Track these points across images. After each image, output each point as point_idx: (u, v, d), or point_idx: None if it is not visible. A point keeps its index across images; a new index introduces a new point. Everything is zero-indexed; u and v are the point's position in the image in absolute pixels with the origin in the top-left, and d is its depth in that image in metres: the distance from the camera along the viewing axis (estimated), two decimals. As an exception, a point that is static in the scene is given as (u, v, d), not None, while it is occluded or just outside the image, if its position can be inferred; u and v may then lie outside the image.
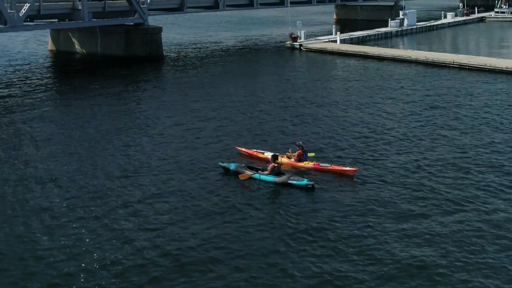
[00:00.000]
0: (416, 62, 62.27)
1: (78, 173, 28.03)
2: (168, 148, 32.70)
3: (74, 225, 22.04)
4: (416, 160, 30.31)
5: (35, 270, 19.16)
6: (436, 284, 18.04)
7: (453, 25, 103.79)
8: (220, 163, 28.65)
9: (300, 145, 29.18)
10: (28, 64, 65.06)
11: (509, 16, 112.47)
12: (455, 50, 73.27)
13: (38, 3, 59.49)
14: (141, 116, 41.34)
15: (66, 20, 64.45)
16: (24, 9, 57.19)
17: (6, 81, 55.78)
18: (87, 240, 21.04)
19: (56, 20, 65.23)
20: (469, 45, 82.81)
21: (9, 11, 55.79)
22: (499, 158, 30.45)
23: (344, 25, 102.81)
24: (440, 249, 20.10)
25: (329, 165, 28.39)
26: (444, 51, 69.39)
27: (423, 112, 41.57)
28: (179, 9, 75.20)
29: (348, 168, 27.67)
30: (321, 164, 28.41)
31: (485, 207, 24.02)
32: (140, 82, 54.93)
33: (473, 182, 26.77)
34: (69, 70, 64.35)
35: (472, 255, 19.74)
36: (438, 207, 23.74)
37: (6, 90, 51.79)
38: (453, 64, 59.39)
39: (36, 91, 51.54)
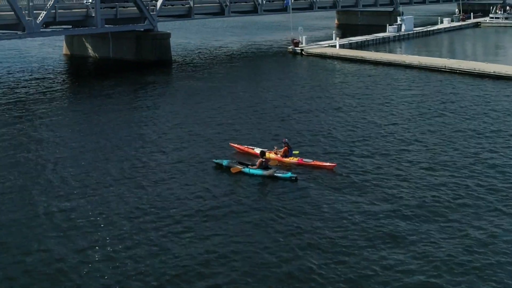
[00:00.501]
0: (410, 67, 62.55)
1: (89, 168, 29.51)
2: (169, 144, 34.35)
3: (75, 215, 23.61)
4: (392, 156, 31.77)
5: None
6: (410, 256, 19.69)
7: (449, 30, 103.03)
8: (214, 160, 30.39)
9: (286, 143, 31.16)
10: (43, 67, 65.62)
11: (503, 21, 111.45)
12: (449, 54, 72.93)
13: (54, 11, 60.09)
14: (148, 116, 42.65)
15: (80, 26, 64.40)
16: (41, 17, 58.00)
17: (23, 83, 56.52)
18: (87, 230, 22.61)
19: (71, 26, 65.38)
20: (462, 50, 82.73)
21: (27, 18, 56.48)
22: (468, 153, 31.83)
23: (345, 30, 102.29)
24: (411, 223, 22.26)
25: (311, 160, 30.26)
26: (439, 56, 69.36)
27: (407, 113, 42.44)
28: (187, 15, 75.84)
29: (327, 164, 29.56)
30: (304, 160, 30.30)
31: (457, 196, 25.59)
32: (149, 85, 55.61)
33: (445, 176, 28.26)
34: (83, 74, 64.95)
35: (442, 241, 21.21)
36: (409, 196, 25.45)
37: (24, 92, 52.60)
38: (444, 68, 59.80)
39: (51, 93, 52.35)
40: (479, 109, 43.06)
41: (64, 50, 73.86)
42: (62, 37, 72.91)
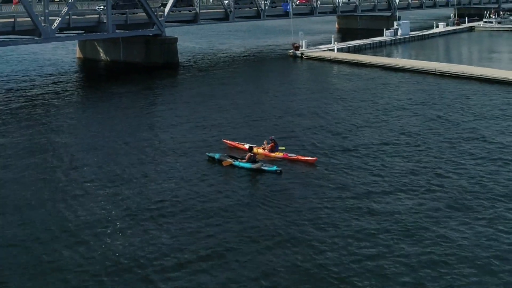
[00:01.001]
0: (403, 70, 63.01)
1: (99, 163, 31.24)
2: (171, 140, 36.07)
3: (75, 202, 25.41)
4: (371, 152, 33.28)
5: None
6: (377, 251, 21.12)
7: (444, 34, 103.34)
8: (207, 153, 32.08)
9: (272, 139, 32.82)
10: (58, 69, 66.15)
11: (497, 26, 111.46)
12: (442, 58, 73.46)
13: (68, 17, 60.39)
14: (155, 115, 44.24)
15: (92, 31, 65.14)
16: (56, 23, 58.26)
17: (39, 84, 57.17)
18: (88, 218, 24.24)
19: (83, 31, 66.00)
20: (455, 53, 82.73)
21: (43, 24, 56.80)
22: (445, 145, 33.49)
23: (345, 33, 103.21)
24: (384, 221, 23.45)
25: (294, 155, 31.84)
26: (432, 59, 69.51)
27: (392, 113, 43.53)
28: (193, 21, 76.07)
29: (309, 158, 31.30)
30: (288, 155, 31.90)
31: (435, 188, 27.07)
32: (157, 86, 56.47)
33: (423, 168, 29.82)
34: (95, 76, 65.92)
35: (420, 229, 22.82)
36: (389, 189, 26.98)
37: (39, 93, 53.23)
38: (435, 71, 60.33)
39: (64, 93, 53.31)
40: (458, 108, 44.41)
41: (78, 53, 74.35)
42: (76, 41, 73.38)
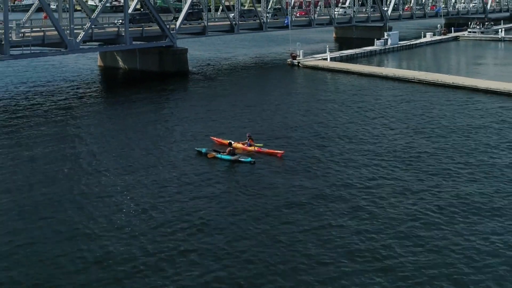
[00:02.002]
0: (386, 78, 64.32)
1: (116, 153, 35.09)
2: (173, 137, 39.89)
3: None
4: (336, 147, 36.96)
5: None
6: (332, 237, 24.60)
7: (430, 44, 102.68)
8: (196, 148, 35.91)
9: (249, 136, 36.59)
10: (80, 77, 67.13)
11: (480, 35, 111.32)
12: (424, 66, 74.03)
13: (91, 31, 61.70)
14: (166, 116, 47.16)
15: (112, 43, 66.50)
16: (80, 36, 59.55)
17: (63, 91, 58.27)
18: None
19: (103, 43, 67.43)
20: (436, 62, 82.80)
21: (69, 38, 58.22)
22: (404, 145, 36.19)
23: (341, 42, 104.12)
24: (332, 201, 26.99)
25: (266, 149, 35.62)
26: (415, 68, 70.20)
27: (363, 115, 46.30)
28: (202, 33, 76.99)
29: (277, 151, 35.11)
30: (261, 149, 35.71)
31: (389, 177, 30.29)
32: (169, 92, 58.37)
33: (379, 162, 32.96)
34: (114, 82, 67.14)
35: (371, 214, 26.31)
36: (347, 181, 30.24)
37: (63, 98, 54.68)
38: (413, 79, 61.65)
39: (87, 98, 54.99)
40: (425, 112, 47.24)
41: (99, 62, 75.02)
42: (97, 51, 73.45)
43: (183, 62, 70.75)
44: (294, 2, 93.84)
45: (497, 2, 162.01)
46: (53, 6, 69.10)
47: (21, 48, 56.66)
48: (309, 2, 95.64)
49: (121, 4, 68.00)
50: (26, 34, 57.44)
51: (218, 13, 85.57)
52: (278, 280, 20.60)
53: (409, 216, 25.87)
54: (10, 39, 54.45)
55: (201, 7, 78.78)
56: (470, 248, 22.85)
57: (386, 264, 21.72)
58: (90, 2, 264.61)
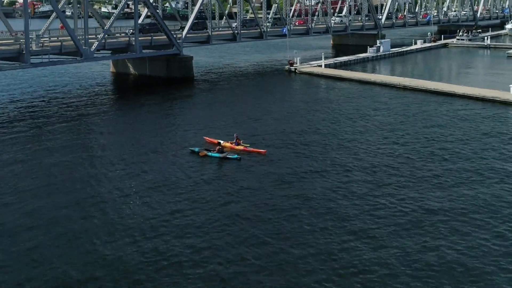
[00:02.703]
0: (374, 83, 65.25)
1: (126, 148, 37.06)
2: (176, 137, 42.26)
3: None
4: (314, 147, 39.35)
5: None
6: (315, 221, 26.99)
7: (420, 51, 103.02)
8: (190, 147, 38.58)
9: (237, 136, 39.33)
10: (95, 82, 69.04)
11: (467, 43, 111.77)
12: (411, 73, 75.11)
13: (104, 41, 63.53)
14: (172, 119, 49.33)
15: (123, 52, 68.00)
16: (94, 46, 61.39)
17: (80, 94, 60.23)
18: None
19: (115, 52, 68.46)
20: (422, 69, 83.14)
21: (84, 47, 60.08)
22: (376, 142, 38.68)
23: (338, 49, 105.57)
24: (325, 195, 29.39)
25: (251, 148, 38.33)
26: (403, 74, 70.81)
27: (344, 117, 48.35)
28: (206, 42, 78.58)
29: (261, 150, 37.91)
30: (247, 148, 38.37)
31: (363, 172, 32.45)
32: (176, 96, 59.92)
33: (354, 159, 35.30)
34: (125, 87, 68.50)
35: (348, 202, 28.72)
36: (317, 170, 32.49)
37: (80, 100, 56.89)
38: (399, 85, 62.84)
39: (100, 101, 56.95)
40: (402, 114, 49.52)
41: (111, 68, 76.40)
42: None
43: (189, 68, 72.16)
44: (293, 10, 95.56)
45: (487, 10, 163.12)
46: (68, 13, 70.70)
47: (40, 57, 58.52)
48: (307, 9, 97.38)
49: (133, 11, 69.18)
50: (45, 44, 59.35)
51: (222, 22, 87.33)
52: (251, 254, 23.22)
53: (372, 208, 28.33)
54: (31, 48, 56.43)
55: (205, 15, 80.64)
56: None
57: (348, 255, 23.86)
58: (103, 9, 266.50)
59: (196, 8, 76.78)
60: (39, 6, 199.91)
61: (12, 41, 60.79)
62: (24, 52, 55.92)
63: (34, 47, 57.35)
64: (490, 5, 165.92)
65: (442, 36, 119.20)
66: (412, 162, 35.75)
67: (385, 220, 26.81)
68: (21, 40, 57.81)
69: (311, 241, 24.58)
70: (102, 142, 41.29)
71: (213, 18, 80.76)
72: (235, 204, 29.09)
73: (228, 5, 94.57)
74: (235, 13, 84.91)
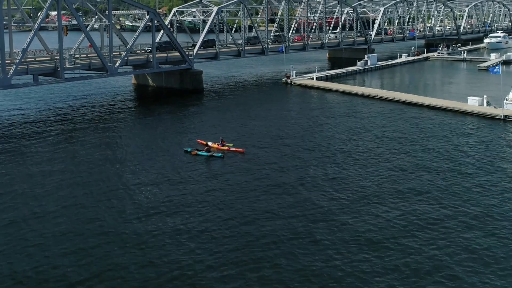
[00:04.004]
0: (356, 95, 67.34)
1: (141, 148, 41.15)
2: (176, 139, 46.44)
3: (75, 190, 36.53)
4: (289, 147, 43.52)
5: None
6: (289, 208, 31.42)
7: (404, 64, 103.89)
8: (184, 148, 42.81)
9: (222, 139, 43.72)
10: (118, 92, 72.51)
11: (447, 56, 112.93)
12: (391, 85, 77.04)
13: (126, 58, 66.73)
14: (182, 124, 53.10)
15: (143, 67, 70.79)
16: (118, 63, 64.87)
17: (106, 102, 63.82)
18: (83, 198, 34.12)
19: (135, 67, 71.69)
20: (402, 81, 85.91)
21: (109, 64, 63.57)
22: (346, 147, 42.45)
23: (333, 61, 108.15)
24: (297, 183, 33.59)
25: (233, 148, 42.64)
26: (383, 87, 73.14)
27: (322, 123, 51.83)
28: (214, 58, 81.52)
29: (240, 149, 42.12)
30: (230, 148, 42.72)
31: (330, 170, 36.21)
32: (187, 105, 63.11)
33: (324, 161, 38.94)
34: (145, 97, 71.38)
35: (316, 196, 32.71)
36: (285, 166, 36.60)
37: (106, 108, 60.40)
38: (376, 96, 65.22)
39: (123, 109, 60.41)
40: (374, 121, 52.70)
41: (133, 80, 79.66)
42: (131, 71, 77.07)
43: (199, 81, 74.97)
44: (292, 28, 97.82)
45: (470, 25, 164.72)
46: (96, 26, 73.89)
47: (72, 72, 62.37)
48: (307, 23, 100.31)
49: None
50: (76, 62, 63.36)
51: (229, 39, 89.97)
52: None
53: (339, 203, 32.53)
54: (65, 66, 60.45)
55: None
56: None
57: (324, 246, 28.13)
58: (127, 22, 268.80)
59: (205, 30, 79.88)
60: (70, 19, 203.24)
61: (49, 58, 64.85)
62: (59, 69, 59.83)
63: (67, 65, 61.26)
64: (474, 20, 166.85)
65: (425, 50, 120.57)
66: (365, 155, 40.78)
67: (342, 201, 31.39)
68: (56, 58, 61.61)
69: (273, 216, 29.59)
70: (122, 142, 45.80)
71: (221, 31, 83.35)
72: (217, 191, 33.85)
73: (238, 19, 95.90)
74: (245, 26, 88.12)
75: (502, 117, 53.23)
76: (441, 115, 56.38)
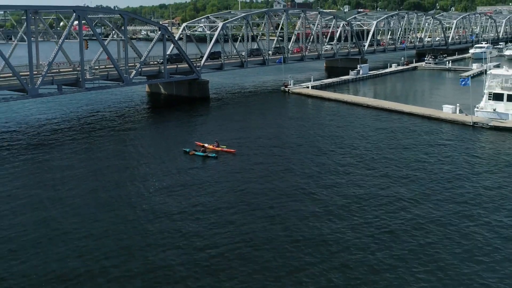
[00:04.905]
0: (346, 102, 69.31)
1: (152, 148, 44.33)
2: (180, 141, 49.41)
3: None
4: (276, 148, 46.83)
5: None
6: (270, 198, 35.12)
7: (393, 73, 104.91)
8: (183, 148, 46.15)
9: (216, 141, 46.71)
10: (133, 99, 74.85)
11: (433, 66, 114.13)
12: (379, 93, 78.83)
13: (140, 69, 69.38)
14: (191, 129, 55.89)
15: (155, 77, 73.59)
16: (133, 74, 67.65)
17: (122, 108, 66.44)
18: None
19: (148, 77, 74.09)
20: (389, 89, 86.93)
21: (125, 75, 66.27)
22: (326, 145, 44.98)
23: (330, 70, 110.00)
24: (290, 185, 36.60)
25: (226, 149, 45.68)
26: (371, 95, 75.12)
27: (311, 129, 54.27)
28: (219, 68, 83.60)
29: (232, 150, 45.41)
30: (223, 149, 45.73)
31: (318, 174, 39.19)
32: (195, 111, 65.84)
33: (309, 161, 41.69)
34: (157, 104, 73.28)
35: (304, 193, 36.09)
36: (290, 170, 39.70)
37: (122, 113, 63.04)
38: (364, 104, 67.07)
39: (138, 115, 62.98)
40: (358, 127, 55.20)
41: (147, 88, 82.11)
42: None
43: (206, 90, 77.52)
44: (292, 41, 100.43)
45: (458, 35, 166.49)
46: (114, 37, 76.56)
47: (92, 82, 65.43)
48: (302, 36, 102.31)
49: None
50: (96, 73, 66.41)
51: (234, 51, 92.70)
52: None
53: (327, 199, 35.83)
54: (85, 77, 63.60)
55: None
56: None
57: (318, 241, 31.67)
58: (143, 32, 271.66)
59: (210, 44, 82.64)
60: (89, 29, 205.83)
61: (71, 70, 68.17)
62: (80, 79, 63.01)
63: (88, 76, 64.36)
64: (463, 31, 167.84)
65: (414, 60, 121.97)
66: (347, 156, 43.51)
67: (333, 198, 34.45)
68: (78, 70, 64.76)
69: (257, 203, 33.15)
70: (136, 142, 49.47)
71: (226, 40, 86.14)
72: (211, 185, 37.19)
73: (242, 33, 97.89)
74: (253, 36, 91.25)
75: (471, 124, 55.93)
76: (418, 121, 59.01)
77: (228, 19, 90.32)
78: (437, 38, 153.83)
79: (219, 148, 46.15)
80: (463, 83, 58.35)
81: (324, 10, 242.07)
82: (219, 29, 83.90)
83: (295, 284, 23.84)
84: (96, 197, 34.92)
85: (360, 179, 38.27)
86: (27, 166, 42.54)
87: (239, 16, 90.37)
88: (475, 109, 58.61)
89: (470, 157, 44.54)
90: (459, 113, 59.70)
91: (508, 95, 57.82)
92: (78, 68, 65.46)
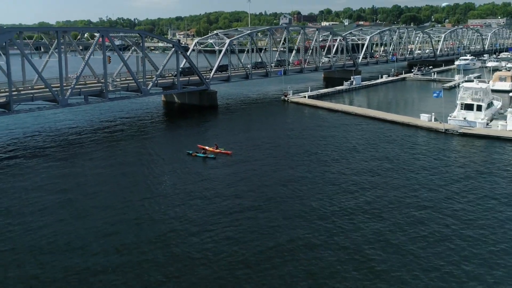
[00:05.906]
0: (337, 111, 71.22)
1: (166, 150, 47.83)
2: (178, 144, 52.41)
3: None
4: (267, 150, 49.50)
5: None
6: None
7: (384, 83, 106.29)
8: (186, 150, 49.22)
9: (215, 144, 49.58)
10: (149, 108, 77.36)
11: (420, 77, 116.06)
12: (367, 102, 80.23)
13: (156, 81, 72.20)
14: (196, 133, 58.39)
15: (169, 88, 75.99)
16: (150, 85, 70.59)
17: (140, 117, 68.60)
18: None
19: (164, 88, 76.62)
20: (377, 99, 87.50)
21: (143, 87, 69.37)
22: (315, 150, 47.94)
23: (327, 81, 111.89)
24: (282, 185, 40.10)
25: (224, 150, 48.57)
26: (361, 104, 76.29)
27: (302, 134, 56.62)
28: (227, 80, 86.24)
29: (228, 151, 48.27)
30: (222, 151, 48.58)
31: (309, 172, 42.39)
32: (205, 118, 68.26)
33: (299, 163, 44.68)
34: (172, 112, 75.66)
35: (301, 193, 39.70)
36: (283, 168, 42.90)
37: (140, 120, 65.83)
38: (352, 113, 69.14)
39: (154, 122, 65.51)
40: (339, 131, 57.84)
41: (162, 98, 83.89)
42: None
43: (214, 99, 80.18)
44: (293, 51, 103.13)
45: (447, 48, 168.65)
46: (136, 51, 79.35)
47: (114, 93, 68.52)
48: (301, 50, 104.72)
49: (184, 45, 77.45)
50: (117, 85, 69.57)
51: (240, 64, 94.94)
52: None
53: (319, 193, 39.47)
54: (108, 88, 66.82)
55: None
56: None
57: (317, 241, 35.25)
58: (160, 44, 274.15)
59: (219, 59, 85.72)
60: (108, 42, 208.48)
61: (96, 82, 71.42)
62: (104, 91, 66.41)
63: (110, 87, 67.60)
64: (452, 43, 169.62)
65: (403, 71, 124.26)
66: (336, 158, 46.70)
67: (326, 194, 37.86)
68: (102, 82, 67.97)
69: (248, 197, 36.39)
70: (151, 145, 52.43)
71: (233, 51, 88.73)
72: (208, 180, 40.51)
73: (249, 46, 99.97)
74: (260, 49, 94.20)
75: (443, 131, 59.07)
76: (397, 128, 61.75)
77: (234, 35, 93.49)
78: (427, 51, 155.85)
79: (218, 150, 48.94)
80: (435, 95, 61.44)
81: (323, 25, 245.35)
82: (226, 45, 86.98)
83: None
84: (118, 186, 38.92)
85: (337, 173, 42.10)
86: (60, 163, 46.45)
87: (245, 33, 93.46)
88: (448, 117, 61.64)
89: (440, 157, 47.97)
90: (434, 121, 62.61)
91: (477, 105, 61.02)
92: (102, 81, 68.52)
